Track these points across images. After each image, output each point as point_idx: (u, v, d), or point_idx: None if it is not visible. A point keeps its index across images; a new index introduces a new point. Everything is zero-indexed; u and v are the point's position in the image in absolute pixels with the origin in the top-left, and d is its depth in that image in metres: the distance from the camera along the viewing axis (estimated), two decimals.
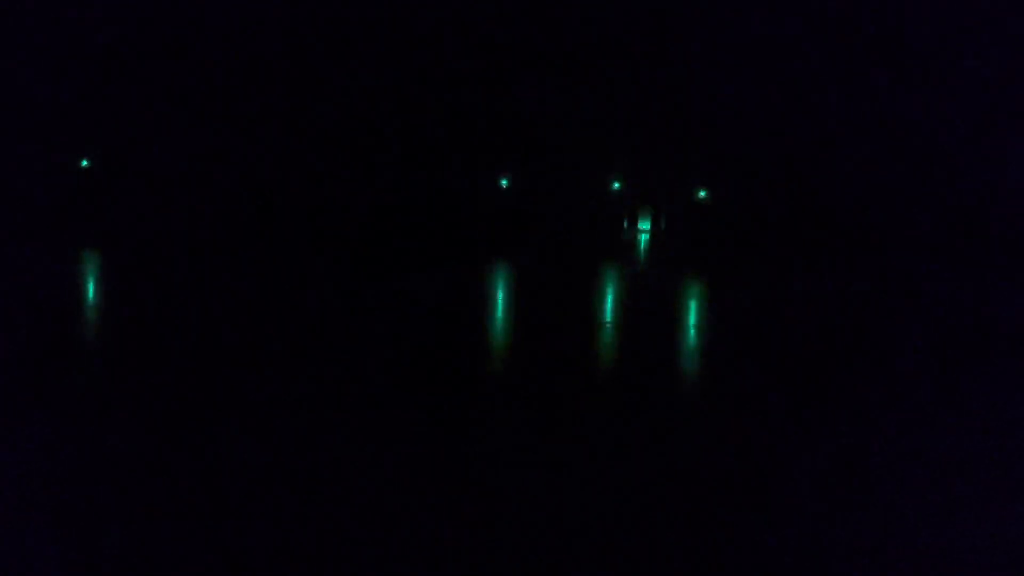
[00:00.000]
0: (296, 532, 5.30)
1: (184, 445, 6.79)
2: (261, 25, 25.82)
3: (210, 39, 25.58)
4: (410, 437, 7.20)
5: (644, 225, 29.04)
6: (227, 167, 27.23)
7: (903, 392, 9.26)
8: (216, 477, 6.13)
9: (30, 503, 5.58)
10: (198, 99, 26.51)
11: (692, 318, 14.14)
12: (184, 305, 13.40)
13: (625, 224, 29.05)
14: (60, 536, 5.14)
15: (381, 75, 26.89)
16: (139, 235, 23.85)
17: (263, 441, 6.93)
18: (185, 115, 26.73)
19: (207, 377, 8.99)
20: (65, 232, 23.08)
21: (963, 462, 6.95)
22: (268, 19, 25.82)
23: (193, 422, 7.42)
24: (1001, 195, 23.02)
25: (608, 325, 12.93)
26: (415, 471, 6.40)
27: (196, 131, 26.93)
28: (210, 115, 26.73)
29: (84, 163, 27.19)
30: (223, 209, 26.74)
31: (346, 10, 25.86)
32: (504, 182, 28.35)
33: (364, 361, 9.96)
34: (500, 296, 15.67)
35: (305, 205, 27.39)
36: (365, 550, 5.14)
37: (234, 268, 17.96)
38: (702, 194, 28.20)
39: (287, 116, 27.00)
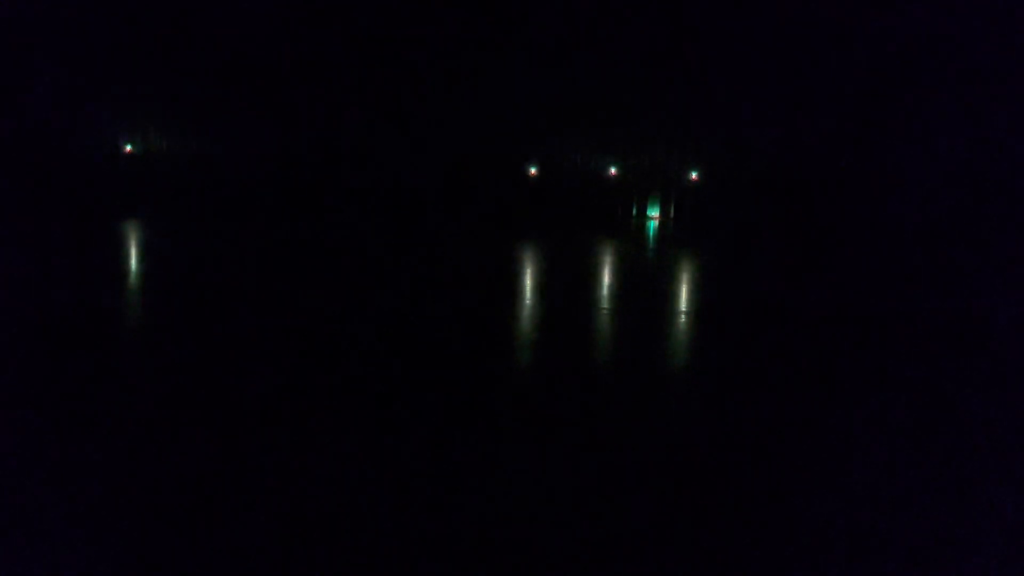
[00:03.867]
0: (293, 531, 5.03)
1: (192, 435, 6.43)
2: (294, 10, 25.85)
3: (243, 25, 25.57)
4: (410, 428, 6.85)
5: (653, 212, 28.94)
6: (257, 154, 27.30)
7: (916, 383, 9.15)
8: (213, 472, 5.83)
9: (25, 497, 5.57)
10: (231, 79, 26.57)
11: (697, 304, 14.02)
12: (225, 286, 13.44)
13: (634, 211, 28.93)
14: (57, 536, 5.10)
15: (389, 66, 26.84)
16: (178, 215, 23.84)
17: (260, 438, 6.60)
18: (218, 94, 26.85)
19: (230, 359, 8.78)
20: (105, 215, 23.06)
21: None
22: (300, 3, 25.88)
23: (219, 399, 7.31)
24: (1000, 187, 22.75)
25: (609, 311, 12.83)
26: (415, 465, 6.08)
27: (229, 113, 27.08)
28: (243, 101, 26.86)
29: (128, 147, 27.80)
30: (256, 193, 26.75)
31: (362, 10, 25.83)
32: (513, 169, 28.29)
33: (370, 345, 9.88)
34: (515, 281, 15.61)
35: (317, 188, 27.38)
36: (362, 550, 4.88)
37: (263, 253, 17.89)
38: (706, 179, 28.02)
39: (310, 103, 26.99)
